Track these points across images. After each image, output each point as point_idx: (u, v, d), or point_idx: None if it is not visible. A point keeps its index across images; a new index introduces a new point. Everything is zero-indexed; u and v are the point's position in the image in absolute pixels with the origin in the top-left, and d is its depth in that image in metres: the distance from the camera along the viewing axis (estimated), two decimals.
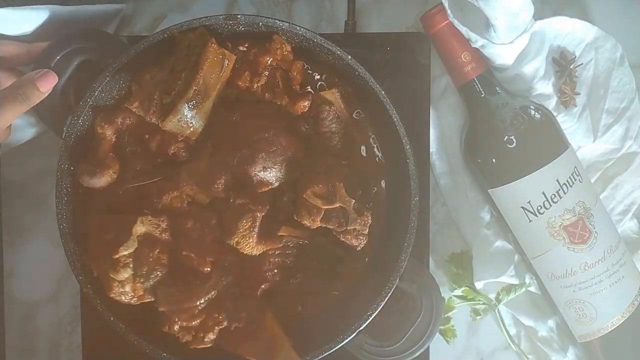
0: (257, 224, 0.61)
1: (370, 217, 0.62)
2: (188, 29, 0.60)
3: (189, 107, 0.59)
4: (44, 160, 0.74)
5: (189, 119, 0.60)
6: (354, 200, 0.61)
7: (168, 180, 0.61)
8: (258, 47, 0.62)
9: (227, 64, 0.60)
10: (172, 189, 0.61)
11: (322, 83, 0.65)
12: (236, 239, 0.61)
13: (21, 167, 0.74)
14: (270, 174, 0.61)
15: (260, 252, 0.62)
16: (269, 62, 0.62)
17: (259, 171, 0.61)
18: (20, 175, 0.74)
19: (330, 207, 0.61)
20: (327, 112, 0.63)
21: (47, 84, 0.58)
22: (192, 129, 0.61)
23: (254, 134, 0.61)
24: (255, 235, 0.61)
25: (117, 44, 0.61)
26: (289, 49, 0.62)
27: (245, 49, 0.62)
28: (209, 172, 0.61)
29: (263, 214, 0.60)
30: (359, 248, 0.63)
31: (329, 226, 0.62)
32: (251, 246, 0.61)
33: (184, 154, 0.62)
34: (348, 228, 0.61)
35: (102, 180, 0.62)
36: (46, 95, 0.58)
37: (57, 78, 0.59)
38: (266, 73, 0.62)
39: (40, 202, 0.74)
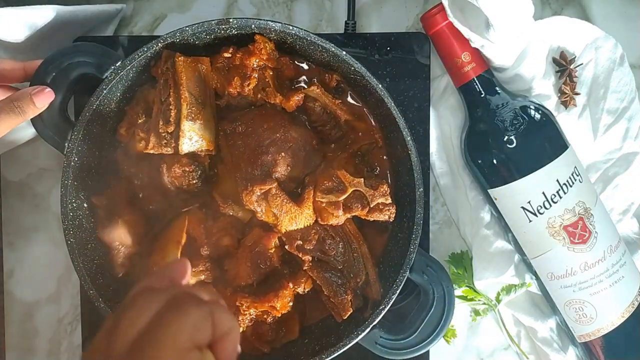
0: (281, 194, 0.60)
1: (386, 185, 0.61)
2: (172, 41, 0.60)
3: (191, 122, 0.59)
4: (44, 160, 0.74)
5: (197, 132, 0.60)
6: (362, 178, 0.61)
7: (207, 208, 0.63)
8: (242, 50, 0.61)
9: (204, 68, 0.61)
10: (215, 215, 0.63)
11: (305, 78, 0.65)
12: (285, 221, 0.60)
13: (21, 167, 0.74)
14: (295, 170, 0.61)
15: (310, 211, 0.61)
16: (255, 64, 0.61)
17: (285, 171, 0.61)
18: (20, 175, 0.74)
19: (346, 195, 0.61)
20: (311, 109, 0.63)
21: (44, 100, 0.58)
22: (206, 140, 0.61)
23: (265, 138, 0.61)
24: (291, 203, 0.60)
25: (113, 56, 0.61)
26: (273, 46, 0.62)
27: (230, 54, 0.62)
28: (238, 190, 0.61)
29: (275, 184, 0.60)
30: (390, 219, 0.62)
31: (353, 214, 0.61)
32: (299, 214, 0.61)
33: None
34: (371, 206, 0.61)
35: (123, 232, 0.63)
36: (42, 110, 0.58)
37: (54, 95, 0.59)
38: (255, 75, 0.62)
39: (40, 202, 0.74)
